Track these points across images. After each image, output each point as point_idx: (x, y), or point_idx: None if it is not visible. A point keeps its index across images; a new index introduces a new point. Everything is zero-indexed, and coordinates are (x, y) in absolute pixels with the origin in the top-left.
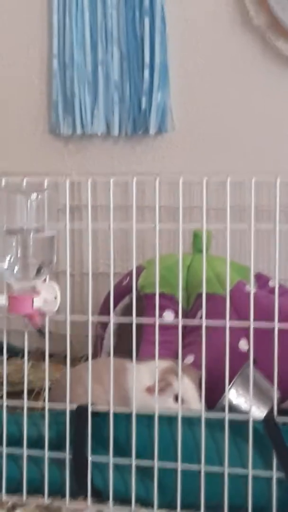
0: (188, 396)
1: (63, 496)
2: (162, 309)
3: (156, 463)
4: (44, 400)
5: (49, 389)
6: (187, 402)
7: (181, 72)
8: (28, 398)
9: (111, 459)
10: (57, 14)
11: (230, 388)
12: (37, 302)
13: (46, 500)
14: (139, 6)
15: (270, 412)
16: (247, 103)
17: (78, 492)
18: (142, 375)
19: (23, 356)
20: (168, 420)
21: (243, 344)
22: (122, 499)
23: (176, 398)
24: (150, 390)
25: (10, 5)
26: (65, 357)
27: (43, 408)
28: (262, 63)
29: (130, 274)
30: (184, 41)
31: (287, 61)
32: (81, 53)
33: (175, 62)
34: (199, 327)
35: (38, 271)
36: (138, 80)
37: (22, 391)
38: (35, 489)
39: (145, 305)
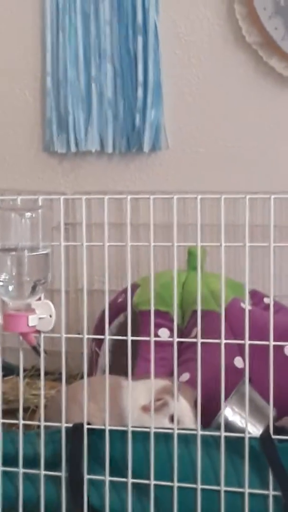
0: (183, 416)
1: None
2: (157, 326)
3: (152, 482)
4: (39, 419)
5: (44, 407)
6: (182, 423)
7: (174, 90)
8: (24, 416)
9: (107, 478)
10: (50, 31)
11: (226, 406)
12: (32, 320)
13: None
14: (132, 23)
15: (266, 429)
16: (240, 120)
17: (74, 510)
18: (137, 393)
19: (18, 374)
20: (164, 438)
21: (238, 362)
22: None
23: (171, 418)
24: (145, 409)
25: (3, 23)
26: (61, 374)
27: (39, 427)
28: (255, 81)
29: (125, 291)
30: (177, 58)
31: (280, 78)
32: (74, 70)
33: (169, 80)
34: (194, 344)
35: (33, 289)
36: (132, 97)
37: (17, 409)
38: (31, 508)
39: (140, 322)
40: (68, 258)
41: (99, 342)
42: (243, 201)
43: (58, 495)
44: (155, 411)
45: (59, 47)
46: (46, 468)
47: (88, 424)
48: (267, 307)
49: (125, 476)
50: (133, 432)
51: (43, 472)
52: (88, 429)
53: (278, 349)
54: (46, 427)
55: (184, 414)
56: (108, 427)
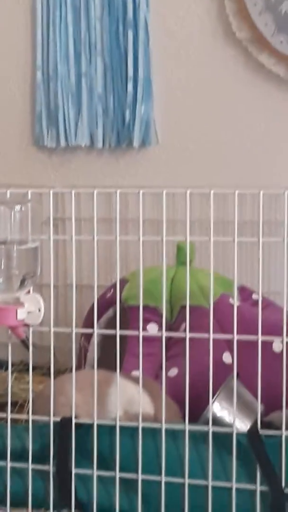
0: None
1: (47, 508)
2: (146, 321)
3: (140, 476)
4: (27, 413)
5: (32, 401)
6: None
7: (164, 85)
8: (12, 411)
9: (94, 472)
10: (41, 26)
11: (213, 401)
12: (21, 314)
13: None
14: (123, 18)
15: (254, 425)
16: (230, 116)
17: (62, 504)
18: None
19: (6, 368)
20: (151, 433)
21: (226, 357)
22: (106, 511)
23: None
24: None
25: None
26: (49, 369)
27: (27, 421)
28: (245, 77)
29: (114, 286)
30: (167, 54)
31: (270, 74)
32: (64, 65)
33: (159, 75)
34: (182, 340)
35: (22, 282)
36: (122, 92)
37: (6, 403)
38: (19, 502)
39: (129, 317)
40: (57, 254)
41: (88, 337)
42: (232, 198)
43: (45, 489)
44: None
45: (49, 41)
46: (33, 462)
47: (76, 418)
48: (255, 303)
49: (113, 470)
50: (120, 426)
51: (31, 466)
52: (76, 424)
53: (266, 345)
54: (34, 421)
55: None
56: (96, 422)
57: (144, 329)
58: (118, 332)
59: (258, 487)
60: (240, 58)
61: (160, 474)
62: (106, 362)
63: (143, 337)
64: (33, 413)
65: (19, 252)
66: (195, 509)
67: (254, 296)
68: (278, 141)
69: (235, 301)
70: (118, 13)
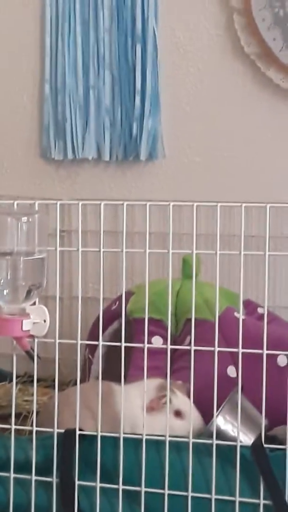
0: (187, 411)
1: None
2: (150, 334)
3: (143, 489)
4: (31, 424)
5: (37, 413)
6: (187, 417)
7: (172, 99)
8: (16, 422)
9: (98, 484)
10: (50, 38)
11: (218, 414)
12: (27, 325)
13: None
14: (131, 32)
15: (258, 438)
16: (237, 130)
17: None
18: (133, 395)
19: (11, 380)
20: (155, 445)
21: (231, 371)
22: None
23: (176, 413)
24: (151, 408)
25: (2, 30)
26: (53, 381)
27: (31, 432)
28: (253, 91)
29: (119, 299)
30: (175, 68)
31: (277, 89)
32: (73, 77)
33: (166, 89)
34: (187, 353)
35: (28, 293)
36: (130, 105)
37: (10, 415)
38: None
39: (134, 330)
40: (62, 266)
41: (93, 349)
42: (239, 211)
43: (49, 500)
44: (159, 409)
45: (58, 54)
46: (37, 474)
47: (80, 430)
48: (260, 317)
49: (116, 482)
50: (124, 438)
51: (34, 477)
52: (80, 435)
53: (271, 359)
54: (38, 432)
55: (187, 407)
56: (100, 433)
57: (149, 342)
58: (123, 344)
59: (262, 501)
60: (248, 72)
61: (163, 486)
62: (110, 375)
63: (148, 350)
64: (37, 425)
65: (25, 263)
66: None
67: (259, 310)
68: (285, 155)
69: (241, 315)
70: (127, 26)
